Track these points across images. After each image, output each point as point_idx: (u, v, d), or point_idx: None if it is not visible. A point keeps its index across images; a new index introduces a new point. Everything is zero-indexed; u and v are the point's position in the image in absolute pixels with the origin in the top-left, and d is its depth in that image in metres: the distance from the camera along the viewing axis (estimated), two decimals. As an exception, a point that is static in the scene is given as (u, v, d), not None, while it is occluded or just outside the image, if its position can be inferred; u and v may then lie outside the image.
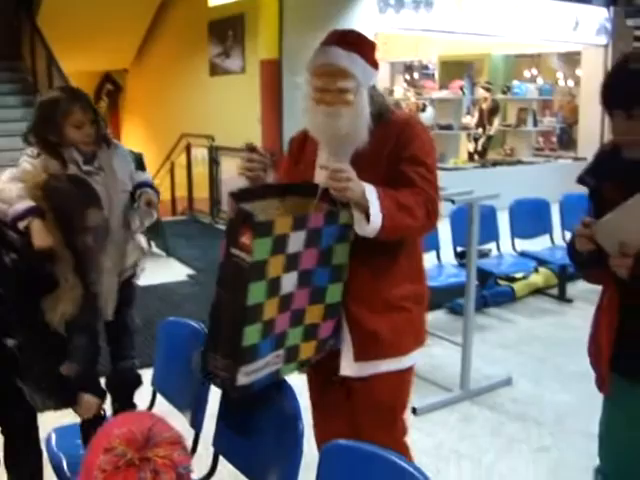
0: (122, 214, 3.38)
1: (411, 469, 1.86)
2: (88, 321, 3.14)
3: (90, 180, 3.03)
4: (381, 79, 11.01)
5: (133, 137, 14.56)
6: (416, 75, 18.97)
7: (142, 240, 3.61)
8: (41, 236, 2.57)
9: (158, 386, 3.11)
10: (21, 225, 2.65)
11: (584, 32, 12.71)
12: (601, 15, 12.87)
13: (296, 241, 2.22)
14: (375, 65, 2.45)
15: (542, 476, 3.64)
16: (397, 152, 2.41)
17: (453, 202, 4.48)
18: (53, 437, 2.92)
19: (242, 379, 2.25)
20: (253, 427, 2.50)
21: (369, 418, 2.61)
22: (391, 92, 15.60)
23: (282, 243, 2.18)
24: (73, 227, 2.58)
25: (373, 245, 2.37)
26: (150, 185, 3.51)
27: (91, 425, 2.53)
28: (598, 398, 4.10)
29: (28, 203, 2.68)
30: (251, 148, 2.53)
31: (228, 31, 11.07)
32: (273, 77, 9.61)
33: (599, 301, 2.40)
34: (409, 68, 19.17)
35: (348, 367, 2.56)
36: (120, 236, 3.38)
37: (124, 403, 3.50)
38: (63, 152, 3.20)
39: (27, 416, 2.83)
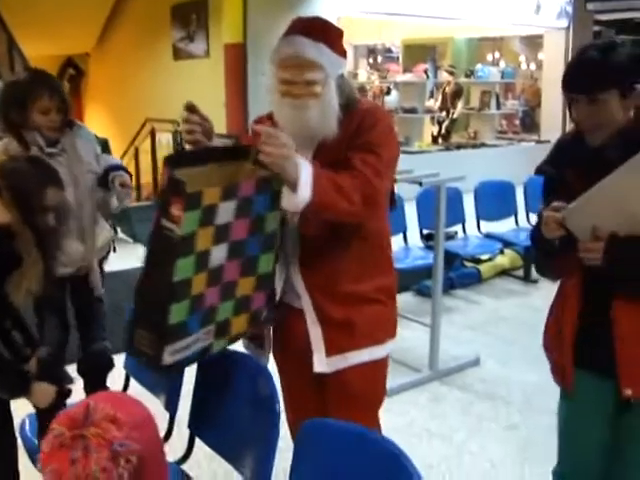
0: (90, 194, 3.38)
1: (387, 445, 1.90)
2: (56, 301, 3.15)
3: (53, 161, 3.04)
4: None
5: (96, 122, 14.39)
6: (379, 59, 19.00)
7: (106, 225, 3.61)
8: None
9: (131, 370, 3.12)
10: None
11: (546, 15, 12.81)
12: (562, -1, 12.99)
13: (226, 211, 2.14)
14: (343, 54, 2.36)
15: (512, 453, 3.71)
16: (353, 140, 2.33)
17: (420, 184, 4.53)
18: (27, 423, 2.91)
19: (167, 358, 2.17)
20: (229, 408, 2.52)
21: (342, 413, 2.43)
22: (355, 75, 15.61)
23: (211, 214, 2.08)
24: (32, 206, 2.55)
25: (341, 239, 2.39)
26: (121, 167, 3.51)
27: (49, 413, 2.46)
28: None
29: None
30: (190, 108, 2.38)
31: (192, 15, 10.98)
32: (237, 61, 9.58)
33: (558, 291, 2.43)
34: (372, 51, 19.19)
35: (320, 363, 2.49)
36: (89, 215, 3.39)
37: (96, 387, 3.49)
38: (26, 135, 3.19)
39: None
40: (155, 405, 2.52)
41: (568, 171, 2.24)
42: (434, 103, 13.68)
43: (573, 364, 2.35)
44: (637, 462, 2.35)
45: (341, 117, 2.33)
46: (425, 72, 12.72)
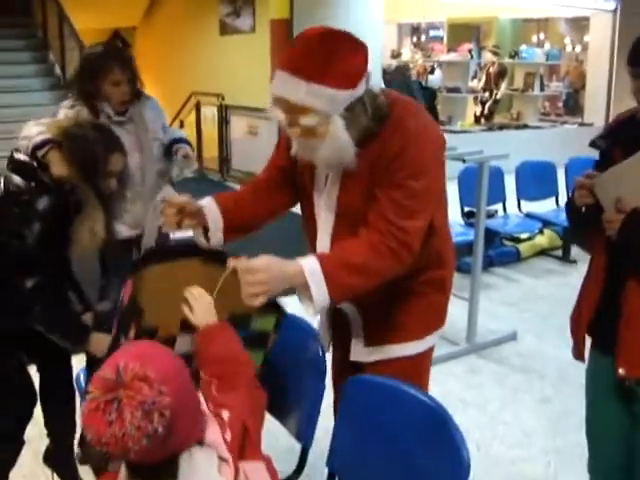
0: (154, 161, 3.57)
1: (431, 403, 2.02)
2: (121, 262, 3.31)
3: (120, 129, 3.22)
4: (389, 40, 11.07)
5: (142, 95, 14.62)
6: (423, 37, 18.97)
7: (171, 191, 3.75)
8: (58, 166, 2.64)
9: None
10: (39, 153, 2.70)
11: (594, -3, 12.69)
12: (611, -20, 12.86)
13: (185, 342, 2.02)
14: (355, 78, 2.00)
15: (544, 424, 3.80)
16: (379, 168, 2.09)
17: (464, 161, 4.61)
18: (81, 376, 3.07)
19: None
20: (277, 367, 2.62)
21: None
22: (399, 54, 15.65)
23: (168, 343, 1.91)
24: (96, 171, 2.68)
25: None
26: (185, 140, 3.68)
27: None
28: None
29: (46, 135, 2.75)
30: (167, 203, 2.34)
31: (239, -10, 11.11)
32: (283, 37, 9.66)
33: (587, 268, 2.42)
34: (416, 30, 19.17)
35: (358, 352, 2.43)
36: (152, 181, 3.58)
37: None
38: (97, 105, 3.35)
39: (61, 356, 2.99)
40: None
41: (617, 149, 2.21)
42: (477, 83, 13.68)
43: (585, 344, 2.40)
44: None
45: (374, 133, 2.08)
46: (469, 52, 12.73)
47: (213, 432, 1.64)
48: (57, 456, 3.12)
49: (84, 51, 3.62)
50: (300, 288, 2.02)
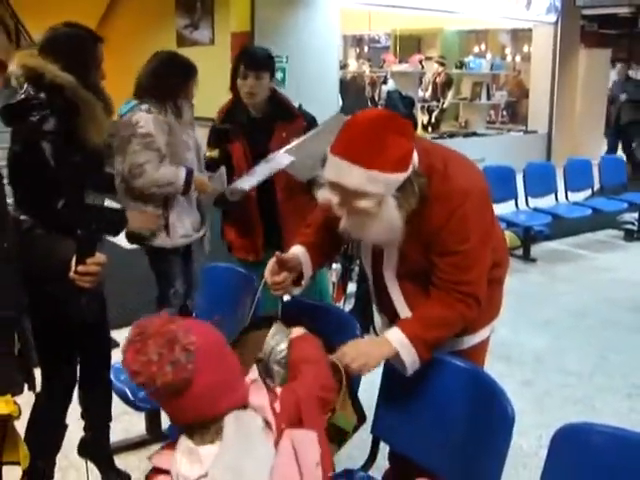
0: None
1: (472, 368, 2.32)
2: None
3: (188, 131, 3.63)
4: (337, 52, 11.40)
5: (94, 106, 14.65)
6: (366, 49, 19.33)
7: None
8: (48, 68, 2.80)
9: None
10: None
11: (536, 10, 13.23)
12: (552, -6, 13.44)
13: None
14: (404, 162, 2.09)
15: (530, 404, 4.18)
16: (429, 236, 2.23)
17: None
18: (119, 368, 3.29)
19: None
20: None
21: None
22: (345, 65, 15.98)
23: None
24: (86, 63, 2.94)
25: None
26: None
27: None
28: (567, 340, 4.75)
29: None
30: (279, 263, 2.44)
31: (196, 2, 11.31)
32: (244, 49, 9.93)
33: None
34: (359, 41, 19.53)
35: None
36: None
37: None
38: (180, 103, 3.62)
39: (101, 348, 3.21)
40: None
41: None
42: (423, 93, 14.13)
43: None
44: None
45: (419, 206, 2.17)
46: (420, 62, 13.16)
47: (259, 397, 1.77)
48: (94, 446, 3.29)
49: (166, 52, 3.78)
50: (392, 357, 2.25)
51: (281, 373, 2.17)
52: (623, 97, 12.35)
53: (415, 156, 2.16)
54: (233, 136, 3.63)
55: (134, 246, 3.74)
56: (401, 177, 2.09)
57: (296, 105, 3.80)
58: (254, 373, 1.86)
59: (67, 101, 2.76)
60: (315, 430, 1.79)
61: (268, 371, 2.19)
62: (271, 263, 2.45)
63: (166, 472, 1.69)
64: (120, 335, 3.58)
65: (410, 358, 2.24)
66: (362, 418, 2.30)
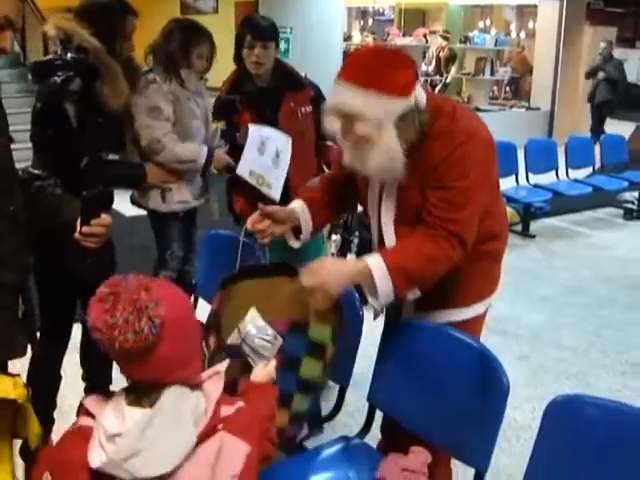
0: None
1: (475, 344, 2.34)
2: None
3: (194, 100, 3.65)
4: (341, 24, 11.38)
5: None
6: (370, 21, 19.24)
7: None
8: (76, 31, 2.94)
9: (202, 292, 3.50)
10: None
11: (542, -15, 13.16)
12: (559, -31, 13.34)
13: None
14: (406, 88, 2.14)
15: (525, 377, 4.23)
16: (429, 173, 2.24)
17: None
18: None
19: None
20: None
21: None
22: (349, 37, 15.92)
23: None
24: (114, 34, 3.08)
25: None
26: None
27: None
28: (564, 316, 4.79)
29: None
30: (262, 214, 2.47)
31: (201, -30, 11.29)
32: (248, 18, 9.90)
33: None
34: (364, 14, 19.44)
35: (408, 316, 2.57)
36: None
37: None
38: (182, 73, 3.63)
39: None
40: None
41: None
42: (427, 67, 14.08)
43: None
44: None
45: (419, 143, 2.23)
46: (424, 36, 13.10)
47: (215, 388, 1.74)
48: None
49: (178, 21, 3.79)
50: (365, 284, 2.23)
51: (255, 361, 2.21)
52: (601, 75, 12.28)
53: (422, 94, 2.22)
54: (242, 106, 3.62)
55: (134, 213, 3.78)
56: (401, 104, 2.14)
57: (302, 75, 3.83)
58: (223, 365, 1.83)
59: (90, 64, 2.88)
60: (250, 447, 1.72)
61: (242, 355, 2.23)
62: (254, 214, 2.47)
63: (93, 416, 1.69)
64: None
65: (385, 285, 2.22)
66: (337, 322, 2.35)
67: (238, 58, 3.61)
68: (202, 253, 3.58)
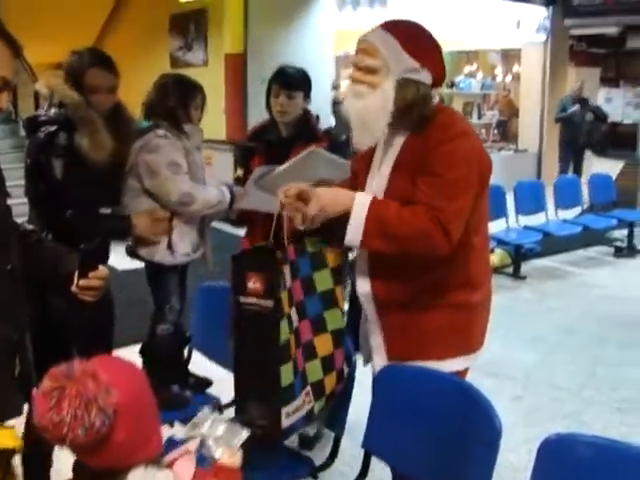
0: None
1: (458, 380, 2.39)
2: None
3: (196, 154, 3.67)
4: (330, 74, 11.52)
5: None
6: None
7: None
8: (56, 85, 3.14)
9: (196, 345, 3.53)
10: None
11: (525, 30, 13.40)
12: (541, 14, 13.60)
13: (286, 275, 2.33)
14: (423, 59, 2.28)
15: (520, 419, 4.24)
16: (421, 159, 2.30)
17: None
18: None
19: (285, 421, 2.32)
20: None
21: None
22: (337, 86, 16.04)
23: (283, 278, 2.31)
24: (79, 82, 3.20)
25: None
26: None
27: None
28: (557, 355, 4.81)
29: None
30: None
31: (190, 24, 11.40)
32: (238, 70, 10.04)
33: None
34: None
35: (381, 365, 2.56)
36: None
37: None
38: (185, 127, 3.65)
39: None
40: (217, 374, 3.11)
41: None
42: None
43: None
44: None
45: (417, 128, 2.33)
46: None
47: (185, 468, 1.68)
48: None
49: (173, 77, 3.84)
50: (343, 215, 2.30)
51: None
52: (561, 114, 12.10)
53: (435, 92, 2.37)
54: (257, 153, 3.70)
55: (127, 267, 3.80)
56: (413, 64, 2.28)
57: (327, 126, 3.86)
58: (194, 445, 1.75)
59: (68, 118, 3.01)
60: None
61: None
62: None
63: None
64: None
65: (357, 220, 2.28)
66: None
67: (267, 106, 3.68)
68: (197, 305, 3.60)
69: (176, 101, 3.60)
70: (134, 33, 13.01)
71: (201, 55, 11.29)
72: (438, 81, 2.38)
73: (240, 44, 10.08)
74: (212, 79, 10.59)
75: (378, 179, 2.45)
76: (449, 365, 2.47)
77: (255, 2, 9.98)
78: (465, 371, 2.56)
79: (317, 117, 3.92)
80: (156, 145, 3.52)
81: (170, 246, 3.63)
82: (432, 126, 2.32)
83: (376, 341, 2.54)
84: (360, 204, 2.29)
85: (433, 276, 2.38)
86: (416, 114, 2.32)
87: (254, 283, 2.27)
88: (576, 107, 11.57)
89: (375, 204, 2.29)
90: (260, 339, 2.29)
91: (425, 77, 2.31)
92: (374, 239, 2.29)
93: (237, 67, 10.05)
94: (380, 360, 2.55)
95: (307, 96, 3.71)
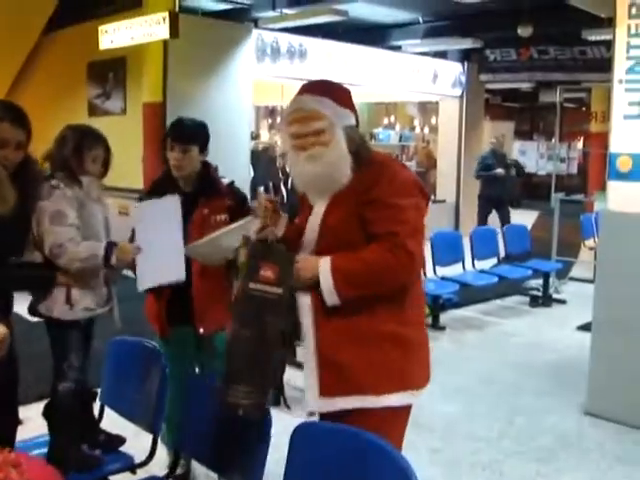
0: None
1: (375, 440, 2.32)
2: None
3: (96, 206, 3.50)
4: (249, 123, 11.55)
5: (2, 175, 14.37)
6: (278, 119, 19.59)
7: None
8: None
9: (108, 401, 3.44)
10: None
11: (442, 84, 13.78)
12: (457, 69, 14.00)
13: None
14: (349, 107, 2.58)
15: (438, 472, 4.21)
16: (367, 193, 2.46)
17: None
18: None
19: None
20: (219, 423, 2.82)
21: None
22: (257, 136, 16.14)
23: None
24: None
25: None
26: None
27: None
28: (476, 405, 4.81)
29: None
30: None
31: (109, 73, 11.31)
32: (156, 119, 9.93)
33: None
34: (272, 112, 19.82)
35: (313, 401, 2.58)
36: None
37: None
38: (82, 179, 3.44)
39: None
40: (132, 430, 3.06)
41: None
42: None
43: None
44: None
45: (354, 167, 2.51)
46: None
47: None
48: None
49: (71, 127, 3.66)
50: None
51: None
52: (483, 172, 11.82)
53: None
54: None
55: (38, 318, 3.64)
56: (348, 115, 2.58)
57: (227, 181, 3.75)
58: None
59: None
60: None
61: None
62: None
63: None
64: (22, 413, 3.50)
65: (326, 283, 2.47)
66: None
67: (164, 159, 3.58)
68: (107, 361, 3.49)
69: (70, 152, 3.48)
70: (51, 80, 12.82)
71: (119, 103, 11.18)
72: (357, 121, 2.66)
73: (159, 93, 10.00)
74: (130, 128, 10.52)
75: (313, 218, 2.63)
76: (385, 401, 2.53)
77: (175, 52, 9.94)
78: (406, 408, 2.65)
79: (216, 168, 3.80)
80: (47, 194, 3.40)
81: (69, 300, 3.48)
82: (371, 162, 2.55)
83: (310, 378, 2.57)
84: (324, 271, 2.49)
85: (369, 309, 2.51)
86: (364, 152, 2.57)
87: (265, 271, 2.52)
88: (500, 170, 11.52)
89: (336, 266, 2.48)
90: (260, 324, 2.51)
91: (353, 118, 2.62)
92: (349, 293, 2.48)
93: (156, 116, 9.94)
94: (312, 397, 2.58)
95: (203, 149, 3.62)
